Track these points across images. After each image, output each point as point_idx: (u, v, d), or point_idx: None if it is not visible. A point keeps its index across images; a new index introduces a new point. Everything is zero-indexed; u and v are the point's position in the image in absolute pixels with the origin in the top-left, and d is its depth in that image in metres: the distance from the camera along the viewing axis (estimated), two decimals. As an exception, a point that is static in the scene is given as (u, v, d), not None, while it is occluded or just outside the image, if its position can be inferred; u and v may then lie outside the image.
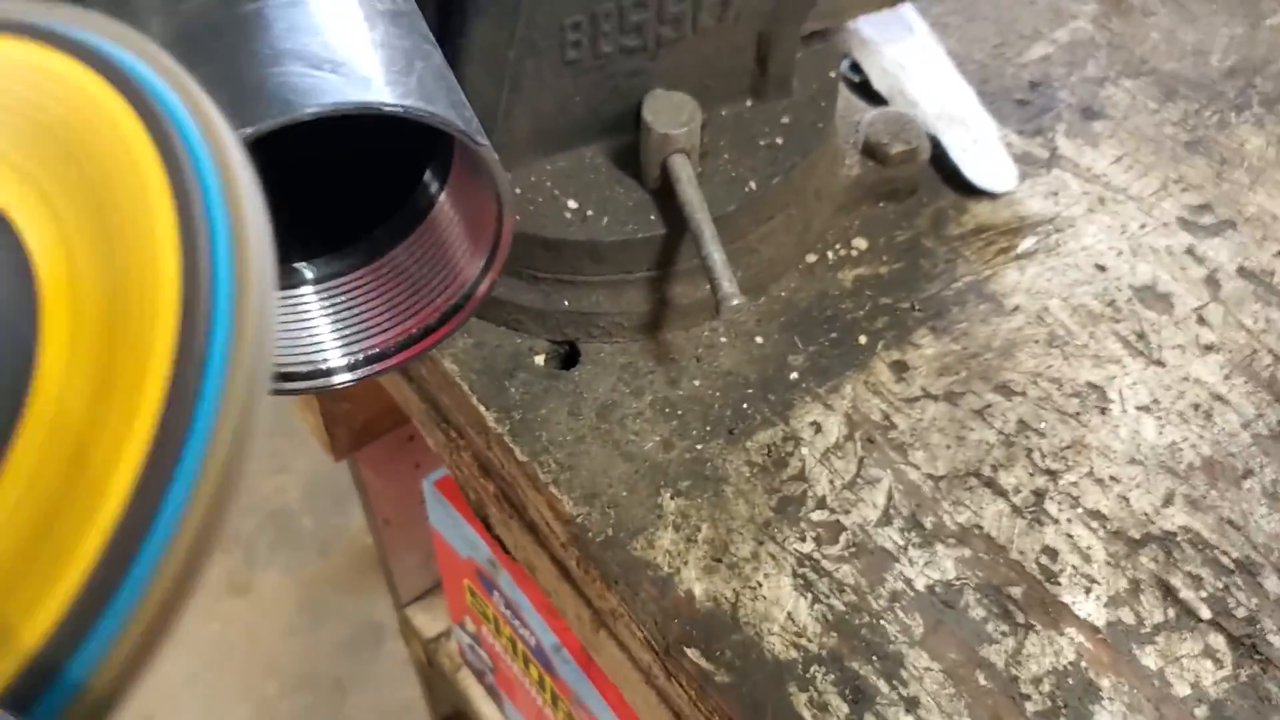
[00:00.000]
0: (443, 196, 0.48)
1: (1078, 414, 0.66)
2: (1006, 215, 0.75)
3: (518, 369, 0.68)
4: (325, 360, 0.48)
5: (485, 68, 0.60)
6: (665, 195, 0.65)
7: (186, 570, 0.23)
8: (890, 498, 0.63)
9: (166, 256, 0.23)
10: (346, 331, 0.48)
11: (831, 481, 0.64)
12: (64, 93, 0.26)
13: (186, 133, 0.25)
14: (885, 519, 0.62)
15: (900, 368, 0.68)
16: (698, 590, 0.60)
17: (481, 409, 0.66)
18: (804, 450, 0.65)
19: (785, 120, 0.70)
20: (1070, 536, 0.62)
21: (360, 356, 0.48)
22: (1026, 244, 0.74)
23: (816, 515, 0.63)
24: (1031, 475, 0.64)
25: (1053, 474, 0.64)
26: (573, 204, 0.67)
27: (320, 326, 0.48)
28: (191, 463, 0.23)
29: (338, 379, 0.48)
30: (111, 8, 0.31)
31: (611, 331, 0.68)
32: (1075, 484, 0.64)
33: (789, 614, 0.59)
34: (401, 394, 0.77)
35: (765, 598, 0.60)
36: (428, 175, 0.48)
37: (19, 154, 0.25)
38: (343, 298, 0.48)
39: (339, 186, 0.47)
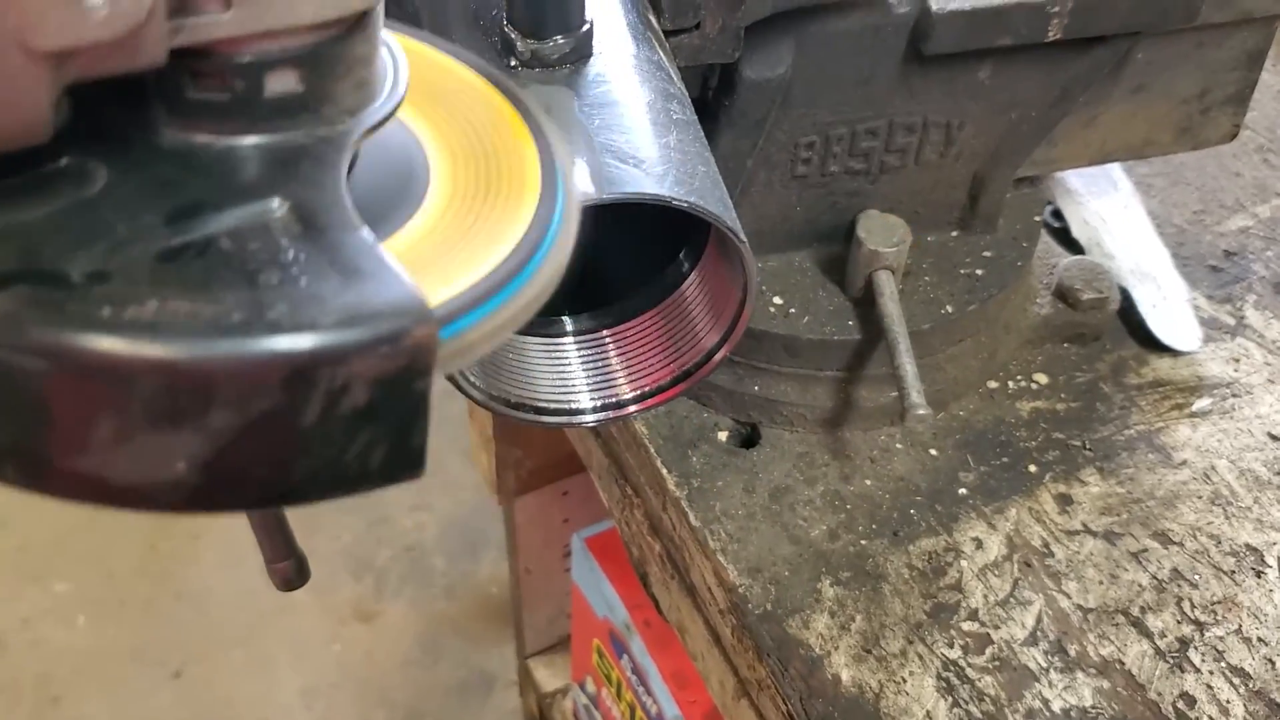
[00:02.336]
0: (693, 275, 0.55)
1: (1233, 572, 0.69)
2: (1186, 374, 0.78)
3: (701, 441, 0.73)
4: (575, 402, 0.55)
5: (725, 172, 0.66)
6: (865, 305, 0.71)
7: (527, 306, 0.35)
8: (1039, 621, 0.66)
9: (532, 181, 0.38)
10: (594, 379, 0.55)
11: (985, 596, 0.67)
12: (496, 120, 0.41)
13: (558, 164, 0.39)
14: (1032, 639, 0.65)
15: (1065, 500, 0.71)
16: (845, 676, 0.64)
17: (664, 471, 0.72)
18: (963, 563, 0.69)
19: (987, 254, 0.75)
20: (1210, 688, 0.64)
21: (602, 402, 0.55)
22: (1202, 403, 0.76)
23: (967, 625, 0.66)
24: (1179, 623, 0.66)
25: (1200, 625, 0.66)
26: (778, 300, 0.72)
27: (574, 372, 0.55)
28: (545, 248, 0.36)
29: (583, 419, 0.55)
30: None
31: (794, 421, 0.73)
32: (1222, 638, 0.66)
33: (928, 712, 0.63)
34: (586, 447, 0.83)
35: (908, 694, 0.63)
36: (683, 255, 0.55)
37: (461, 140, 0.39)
38: (594, 350, 0.55)
39: (604, 255, 0.54)
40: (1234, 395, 0.77)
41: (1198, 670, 0.65)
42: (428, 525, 2.25)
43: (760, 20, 0.59)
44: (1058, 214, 0.84)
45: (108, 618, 1.94)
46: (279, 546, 0.57)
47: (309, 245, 0.33)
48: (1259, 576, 0.69)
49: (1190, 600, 0.67)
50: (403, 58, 0.39)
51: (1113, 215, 0.83)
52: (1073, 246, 0.83)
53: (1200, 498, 0.72)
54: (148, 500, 0.32)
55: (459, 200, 0.38)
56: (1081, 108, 0.72)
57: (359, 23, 0.35)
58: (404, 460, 0.33)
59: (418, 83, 0.38)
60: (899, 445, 0.74)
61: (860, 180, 0.71)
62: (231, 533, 2.04)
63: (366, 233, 0.33)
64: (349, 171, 0.36)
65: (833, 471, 0.72)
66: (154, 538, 2.04)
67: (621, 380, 0.55)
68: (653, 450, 0.73)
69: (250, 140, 0.34)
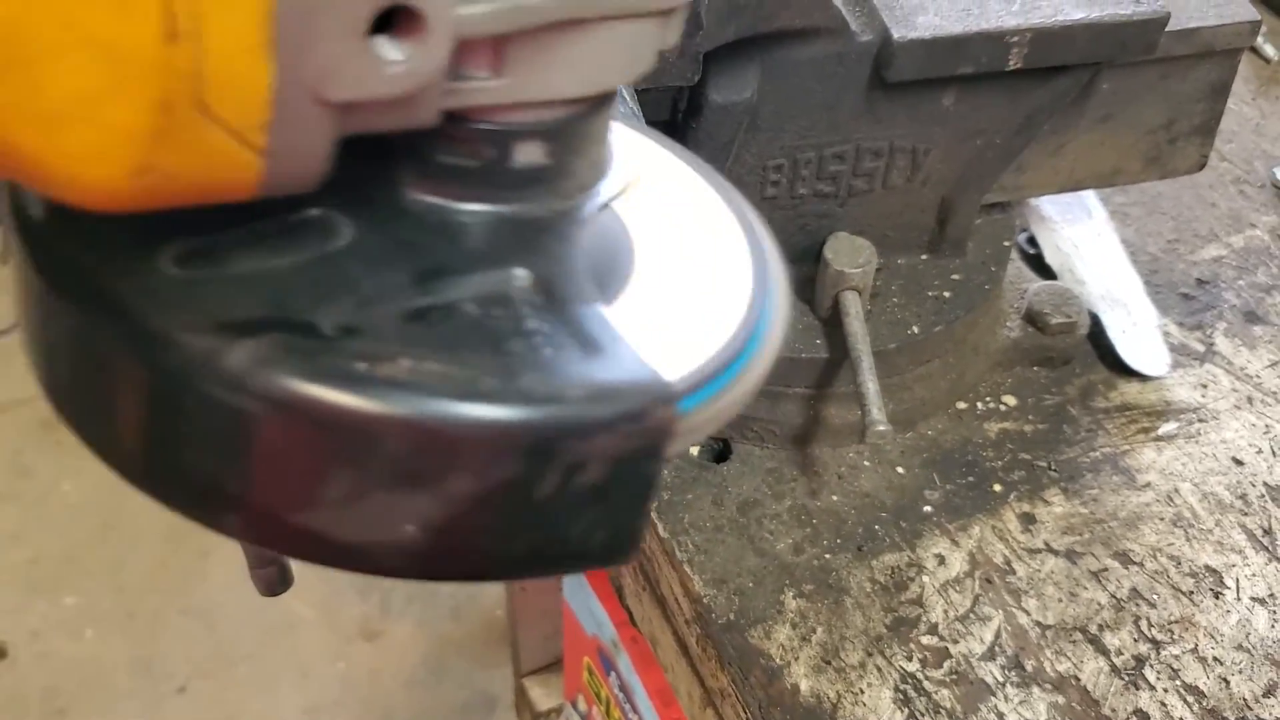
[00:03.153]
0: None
1: (1191, 593, 0.70)
2: (1153, 398, 0.79)
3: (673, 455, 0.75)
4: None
5: (695, 189, 0.69)
6: (833, 325, 0.72)
7: (757, 380, 0.37)
8: (998, 636, 0.68)
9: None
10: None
11: (946, 611, 0.69)
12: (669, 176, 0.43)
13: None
14: (990, 654, 0.67)
15: (1028, 519, 0.73)
16: (804, 686, 0.65)
17: (637, 486, 0.73)
18: (925, 578, 0.70)
19: (956, 277, 0.76)
20: (1164, 705, 0.65)
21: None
22: (1168, 428, 0.78)
23: (926, 639, 0.67)
24: (1136, 641, 0.67)
25: (1157, 644, 0.67)
26: (750, 319, 0.74)
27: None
28: (763, 330, 0.37)
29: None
30: None
31: (764, 437, 0.75)
32: (1178, 657, 0.67)
33: (883, 723, 0.64)
34: (567, 463, 0.85)
35: (865, 705, 0.65)
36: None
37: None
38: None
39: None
40: (1200, 420, 0.78)
41: (1152, 688, 0.66)
42: (434, 546, 2.26)
43: (725, 45, 0.61)
44: (1032, 240, 0.86)
45: (115, 631, 1.97)
46: (262, 552, 0.59)
47: (550, 316, 0.33)
48: (1217, 598, 0.70)
49: (1148, 619, 0.69)
50: (626, 138, 0.39)
51: (1086, 242, 0.84)
52: (1046, 272, 0.84)
53: (1162, 519, 0.73)
54: (371, 562, 0.32)
55: (665, 262, 0.38)
56: (1048, 136, 0.74)
57: (603, 100, 0.36)
58: (621, 542, 0.33)
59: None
60: (866, 463, 0.75)
61: (829, 203, 0.73)
62: (239, 551, 2.06)
63: (603, 307, 0.34)
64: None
65: (800, 487, 0.74)
66: (163, 554, 2.06)
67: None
68: (625, 464, 0.74)
69: (493, 208, 0.35)
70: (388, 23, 0.29)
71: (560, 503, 0.32)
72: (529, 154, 0.35)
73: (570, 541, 0.33)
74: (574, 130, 0.35)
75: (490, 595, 2.14)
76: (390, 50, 0.30)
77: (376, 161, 0.34)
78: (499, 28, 0.31)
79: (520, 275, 0.34)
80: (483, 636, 2.09)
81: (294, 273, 0.33)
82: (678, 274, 0.39)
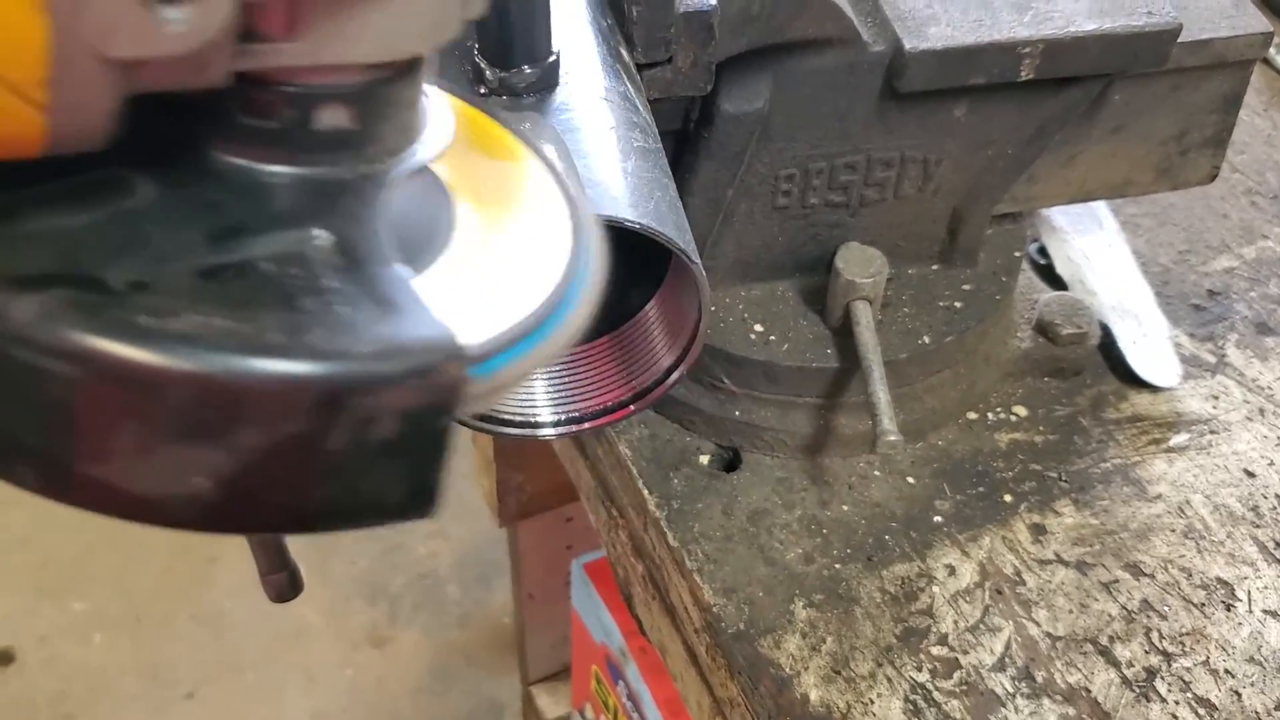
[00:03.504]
0: (653, 300, 0.57)
1: (1202, 605, 0.69)
2: (1164, 409, 0.79)
3: (683, 464, 0.75)
4: (536, 415, 0.57)
5: (706, 201, 0.69)
6: (844, 334, 0.72)
7: (559, 348, 0.37)
8: (1008, 647, 0.67)
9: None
10: (556, 395, 0.57)
11: (956, 622, 0.68)
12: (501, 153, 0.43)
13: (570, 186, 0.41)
14: (1000, 665, 0.67)
15: (1039, 530, 0.73)
16: (813, 696, 0.65)
17: (645, 492, 0.73)
18: (935, 589, 0.70)
19: (967, 287, 0.76)
20: (1176, 718, 0.65)
21: (563, 417, 0.57)
22: (1179, 439, 0.77)
23: (936, 650, 0.67)
24: (1147, 653, 0.67)
25: (1168, 655, 0.67)
26: (759, 328, 0.74)
27: (537, 387, 0.57)
28: (573, 298, 0.37)
29: (543, 432, 0.57)
30: None
31: (774, 446, 0.75)
32: (1189, 669, 0.67)
33: (893, 733, 0.64)
34: (576, 469, 0.85)
35: (875, 715, 0.65)
36: (644, 279, 0.57)
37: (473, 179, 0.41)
38: (558, 367, 0.57)
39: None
40: (1212, 432, 0.78)
41: (1163, 700, 0.65)
42: (442, 553, 2.27)
43: (737, 55, 0.61)
44: (1043, 251, 0.86)
45: (124, 637, 1.97)
46: (273, 559, 0.59)
47: (346, 276, 0.33)
48: (1229, 610, 0.69)
49: (1159, 631, 0.68)
50: (442, 103, 0.40)
51: (1097, 253, 0.84)
52: (1056, 283, 0.84)
53: (1174, 531, 0.73)
54: (163, 514, 0.32)
55: (483, 230, 0.39)
56: (1060, 146, 0.74)
57: (410, 67, 0.36)
58: (419, 498, 0.34)
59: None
60: (877, 473, 0.75)
61: (840, 213, 0.73)
62: (247, 557, 2.06)
63: (402, 268, 0.34)
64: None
65: (811, 496, 0.74)
66: (171, 559, 2.07)
67: (581, 397, 0.57)
68: (635, 472, 0.74)
69: (296, 170, 0.35)
70: None
71: (352, 457, 0.32)
72: (331, 117, 0.35)
73: (365, 495, 0.33)
74: (378, 95, 0.36)
75: (498, 602, 2.14)
76: (171, 10, 0.30)
77: (180, 122, 0.34)
78: None
79: (320, 235, 0.34)
80: (490, 644, 2.09)
81: (88, 230, 0.33)
82: (494, 240, 0.39)
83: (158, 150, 0.34)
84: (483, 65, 0.49)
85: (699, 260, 0.49)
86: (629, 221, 0.46)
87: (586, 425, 0.56)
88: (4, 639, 1.95)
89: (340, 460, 0.32)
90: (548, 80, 0.50)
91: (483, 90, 0.49)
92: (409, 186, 0.38)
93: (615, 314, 0.58)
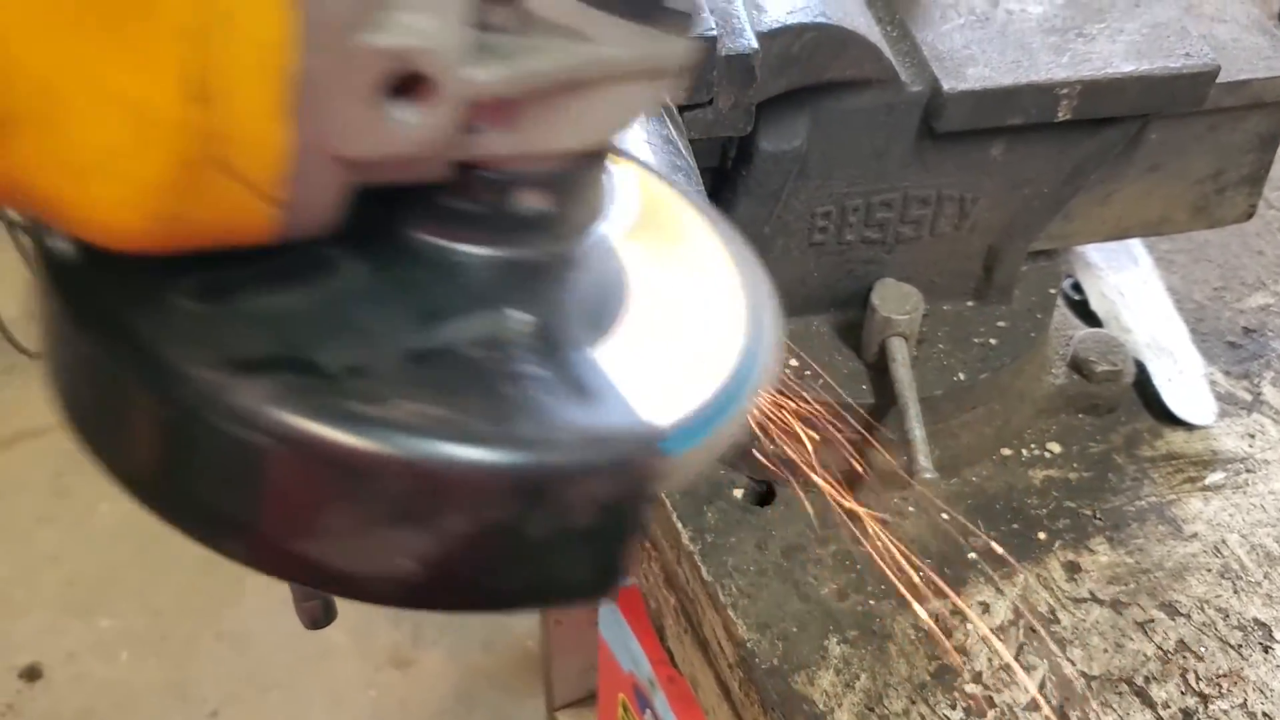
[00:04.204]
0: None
1: (1240, 646, 0.69)
2: (1199, 447, 0.79)
3: (717, 497, 0.75)
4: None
5: (742, 238, 0.69)
6: (879, 370, 0.73)
7: (740, 423, 0.37)
8: (1043, 686, 0.67)
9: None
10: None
11: (990, 660, 0.68)
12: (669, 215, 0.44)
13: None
14: (1034, 705, 0.66)
15: (1073, 568, 0.73)
16: (846, 732, 0.65)
17: (679, 525, 0.74)
18: (969, 626, 0.70)
19: (1002, 324, 0.76)
20: (1212, 761, 0.64)
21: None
22: (1215, 477, 0.77)
23: (970, 688, 0.67)
24: (1183, 694, 0.67)
25: (1205, 697, 0.67)
26: (794, 363, 0.75)
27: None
28: (751, 372, 0.37)
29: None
30: None
31: (808, 481, 0.75)
32: (1227, 712, 0.66)
33: (928, 772, 0.64)
34: (609, 502, 0.85)
35: (908, 753, 0.65)
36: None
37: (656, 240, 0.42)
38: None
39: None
40: (1248, 470, 0.78)
41: (1200, 742, 0.65)
42: (467, 575, 2.27)
43: (776, 95, 0.62)
44: (1077, 287, 0.86)
45: (150, 655, 1.98)
46: (307, 588, 0.60)
47: (543, 361, 0.34)
48: (1266, 651, 0.69)
49: (1196, 672, 0.68)
50: (622, 177, 0.41)
51: (1131, 289, 0.84)
52: (1091, 319, 0.84)
53: (1210, 570, 0.73)
54: (365, 591, 0.33)
55: (660, 306, 0.39)
56: (1096, 185, 0.74)
57: (601, 152, 0.37)
58: (605, 578, 0.35)
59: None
60: (911, 509, 0.75)
61: (876, 249, 0.73)
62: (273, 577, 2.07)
63: (593, 353, 0.35)
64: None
65: (844, 532, 0.74)
66: (198, 578, 2.08)
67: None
68: (669, 505, 0.75)
69: (493, 252, 0.36)
70: (401, 87, 0.31)
71: (549, 542, 0.33)
72: (530, 200, 0.36)
73: (557, 578, 0.34)
74: (573, 178, 0.37)
75: (522, 627, 2.14)
76: (403, 113, 0.31)
77: (383, 202, 0.35)
78: (509, 90, 0.32)
79: (516, 317, 0.35)
80: (514, 668, 2.09)
81: (302, 310, 0.34)
82: (672, 314, 0.40)
83: (360, 228, 0.35)
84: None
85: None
86: (674, 266, 0.47)
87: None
88: (32, 655, 1.97)
89: (538, 545, 0.33)
90: (593, 124, 0.50)
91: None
92: (593, 261, 0.38)
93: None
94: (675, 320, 0.39)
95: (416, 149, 0.32)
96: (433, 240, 0.36)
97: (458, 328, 0.34)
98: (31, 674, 1.95)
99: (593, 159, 0.37)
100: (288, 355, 0.32)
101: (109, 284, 0.33)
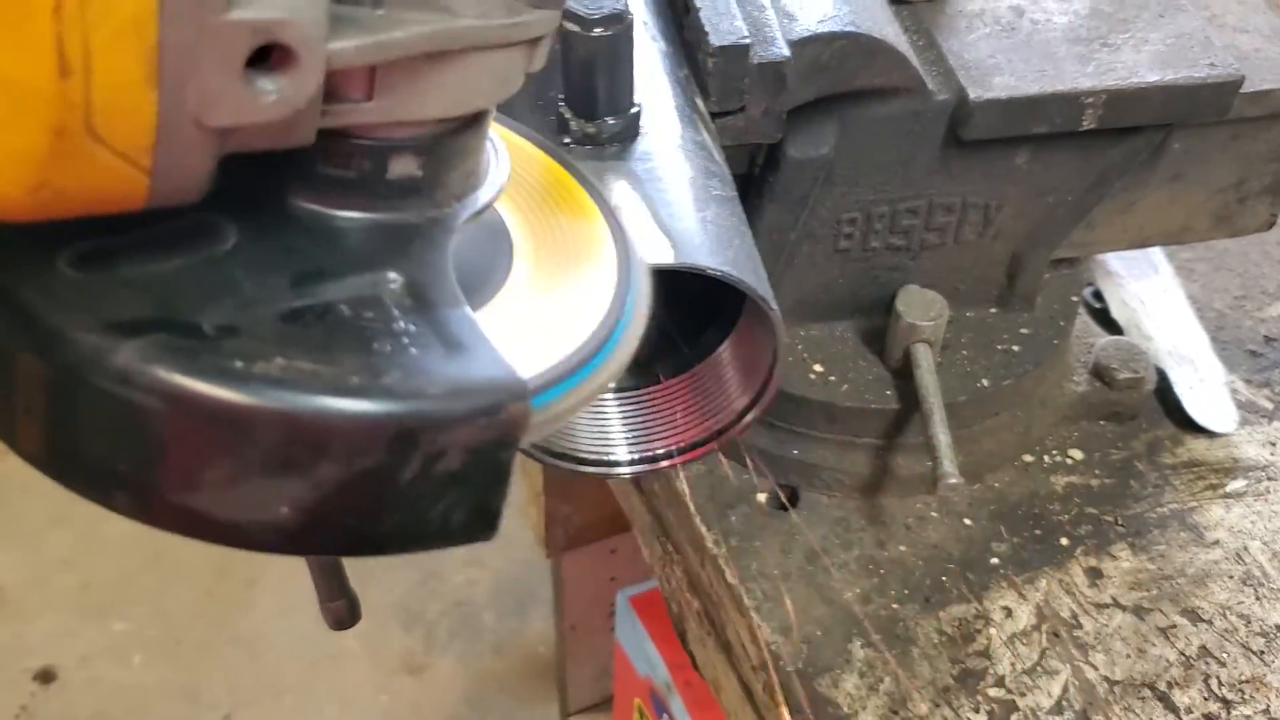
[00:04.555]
0: (728, 341, 0.58)
1: (1262, 653, 0.69)
2: (1221, 455, 0.79)
3: (741, 501, 0.76)
4: (612, 454, 0.58)
5: (769, 244, 0.70)
6: (903, 376, 0.73)
7: (608, 378, 0.39)
8: (1066, 690, 0.68)
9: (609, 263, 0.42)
10: (632, 434, 0.58)
11: (1013, 664, 0.69)
12: (562, 193, 0.45)
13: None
14: (1057, 709, 0.67)
15: (1095, 574, 0.73)
16: (871, 735, 0.66)
17: (704, 529, 0.74)
18: (992, 630, 0.70)
19: (1025, 331, 0.77)
20: (1236, 765, 0.65)
21: (639, 456, 0.58)
22: (1236, 485, 0.78)
23: (993, 691, 0.68)
24: (1206, 699, 0.67)
25: (1227, 703, 0.67)
26: (818, 368, 0.75)
27: (614, 427, 0.58)
28: (619, 335, 0.39)
29: (619, 470, 0.58)
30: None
31: (832, 486, 0.76)
32: (1249, 717, 0.67)
33: (952, 775, 0.64)
34: (630, 504, 0.86)
35: (932, 756, 0.65)
36: (719, 322, 0.59)
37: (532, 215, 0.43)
38: (634, 407, 0.58)
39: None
40: (1269, 478, 0.78)
41: (1223, 747, 0.65)
42: (479, 581, 2.28)
43: (804, 103, 0.63)
44: (1098, 295, 0.86)
45: (163, 658, 1.99)
46: (333, 587, 0.60)
47: (418, 318, 0.36)
48: (1288, 657, 0.69)
49: (1218, 678, 0.68)
50: (503, 147, 0.42)
51: (1152, 298, 0.85)
52: (1112, 327, 0.85)
53: (1231, 577, 0.73)
54: (247, 539, 0.35)
55: (540, 270, 0.42)
56: (1119, 193, 0.74)
57: (475, 119, 0.39)
58: (480, 523, 0.36)
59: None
60: (934, 514, 0.76)
61: (901, 256, 0.74)
62: (286, 581, 2.08)
63: (468, 309, 0.37)
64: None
65: (868, 537, 0.74)
66: (211, 583, 2.08)
67: (658, 436, 0.58)
68: (693, 509, 0.75)
69: (369, 216, 0.38)
70: (263, 57, 0.32)
71: (421, 487, 0.35)
72: (403, 167, 0.38)
73: (432, 521, 0.36)
74: (446, 145, 0.38)
75: (534, 631, 2.14)
76: (266, 83, 0.32)
77: (261, 170, 0.37)
78: (368, 60, 0.34)
79: (392, 278, 0.37)
80: (525, 673, 2.09)
81: (180, 274, 0.36)
82: (546, 275, 0.42)
83: (240, 197, 0.37)
84: (568, 116, 0.50)
85: (776, 307, 0.51)
86: (710, 269, 0.48)
87: (662, 464, 0.57)
88: (46, 658, 1.97)
89: (410, 490, 0.35)
90: (630, 131, 0.51)
91: (567, 140, 0.51)
92: (471, 228, 0.40)
93: (691, 355, 0.59)
94: (549, 280, 0.41)
95: (279, 117, 0.33)
96: (310, 206, 0.38)
97: (333, 288, 0.36)
98: (45, 677, 1.96)
99: (466, 127, 0.39)
100: (165, 317, 0.34)
101: None
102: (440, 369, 0.34)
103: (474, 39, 0.36)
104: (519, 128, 0.46)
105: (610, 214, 0.45)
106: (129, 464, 0.34)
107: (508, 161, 0.42)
